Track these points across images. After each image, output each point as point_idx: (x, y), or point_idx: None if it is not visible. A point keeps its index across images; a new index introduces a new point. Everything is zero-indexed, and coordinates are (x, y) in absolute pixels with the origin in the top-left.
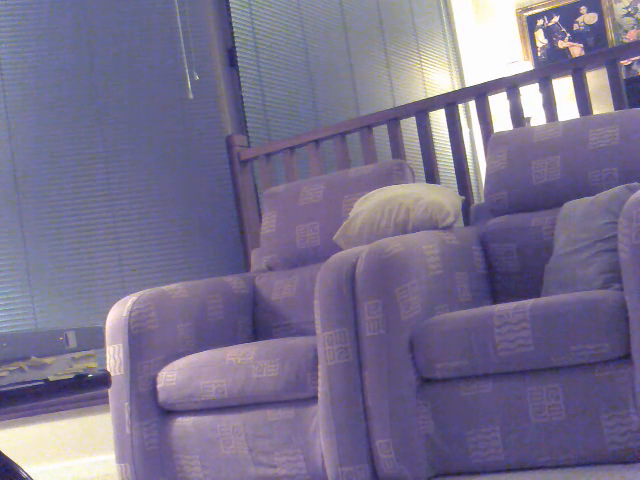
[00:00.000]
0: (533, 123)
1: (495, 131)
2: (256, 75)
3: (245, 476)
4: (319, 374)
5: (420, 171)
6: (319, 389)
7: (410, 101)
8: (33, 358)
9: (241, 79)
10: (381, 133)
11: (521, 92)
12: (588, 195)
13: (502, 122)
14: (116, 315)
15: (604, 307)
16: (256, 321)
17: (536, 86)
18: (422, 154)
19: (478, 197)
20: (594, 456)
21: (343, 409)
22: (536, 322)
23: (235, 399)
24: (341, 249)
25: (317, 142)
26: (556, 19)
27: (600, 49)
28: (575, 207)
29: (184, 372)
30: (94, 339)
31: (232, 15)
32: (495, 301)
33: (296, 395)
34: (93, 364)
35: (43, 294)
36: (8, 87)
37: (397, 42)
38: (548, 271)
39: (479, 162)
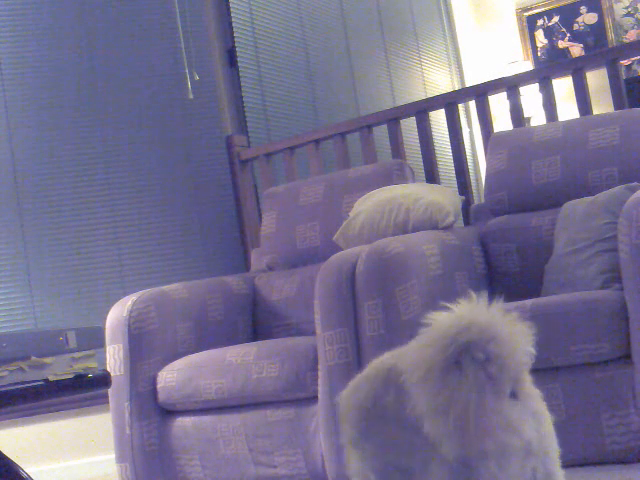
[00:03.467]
0: (533, 123)
1: (495, 131)
2: (256, 75)
3: (245, 476)
4: (319, 374)
5: (420, 171)
6: (319, 389)
7: (410, 101)
8: (33, 358)
9: (241, 79)
10: (381, 133)
11: (521, 92)
12: (588, 195)
13: (502, 122)
14: (116, 315)
15: (604, 307)
16: (256, 321)
17: (536, 86)
18: (422, 154)
19: (478, 197)
20: (594, 456)
21: None
22: (536, 322)
23: (235, 399)
24: (341, 249)
25: (317, 142)
26: (556, 19)
27: (600, 49)
28: (575, 207)
29: (184, 372)
30: (94, 339)
31: (232, 15)
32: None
33: (296, 395)
34: (93, 364)
35: (43, 294)
36: (8, 87)
37: (397, 42)
38: (548, 271)
39: (479, 162)
